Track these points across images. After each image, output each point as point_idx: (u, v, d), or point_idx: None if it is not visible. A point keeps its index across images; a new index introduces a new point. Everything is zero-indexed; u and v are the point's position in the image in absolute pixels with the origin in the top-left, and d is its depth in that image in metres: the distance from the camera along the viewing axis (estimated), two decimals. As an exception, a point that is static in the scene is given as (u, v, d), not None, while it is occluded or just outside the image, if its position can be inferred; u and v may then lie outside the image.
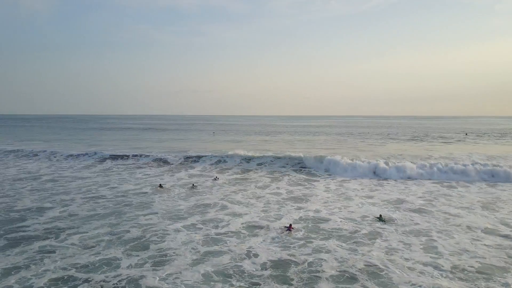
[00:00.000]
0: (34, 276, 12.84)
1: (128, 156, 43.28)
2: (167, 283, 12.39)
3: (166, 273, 13.11)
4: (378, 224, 18.94)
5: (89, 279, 12.62)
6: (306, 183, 30.24)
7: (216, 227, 18.39)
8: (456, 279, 12.84)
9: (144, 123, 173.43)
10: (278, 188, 28.19)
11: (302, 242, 16.31)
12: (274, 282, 12.54)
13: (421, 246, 15.82)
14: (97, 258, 14.34)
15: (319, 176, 33.39)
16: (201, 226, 18.55)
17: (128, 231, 17.59)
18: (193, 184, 28.92)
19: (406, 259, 14.42)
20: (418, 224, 18.92)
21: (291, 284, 12.41)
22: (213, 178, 31.70)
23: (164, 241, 16.30)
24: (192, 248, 15.46)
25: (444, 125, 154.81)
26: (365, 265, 13.87)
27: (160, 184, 28.37)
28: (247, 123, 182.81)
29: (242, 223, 18.93)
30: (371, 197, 25.00)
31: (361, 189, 27.91)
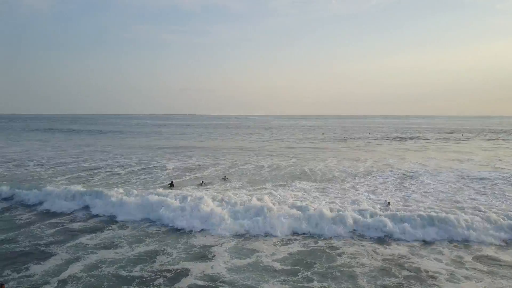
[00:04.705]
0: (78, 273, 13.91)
1: None
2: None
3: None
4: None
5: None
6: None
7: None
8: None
9: (124, 124, 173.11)
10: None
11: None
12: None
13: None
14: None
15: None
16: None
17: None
18: (202, 181, 29.93)
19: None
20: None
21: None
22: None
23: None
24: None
25: (438, 125, 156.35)
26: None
27: (171, 182, 29.16)
28: (233, 124, 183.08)
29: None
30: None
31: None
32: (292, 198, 24.05)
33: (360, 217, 19.21)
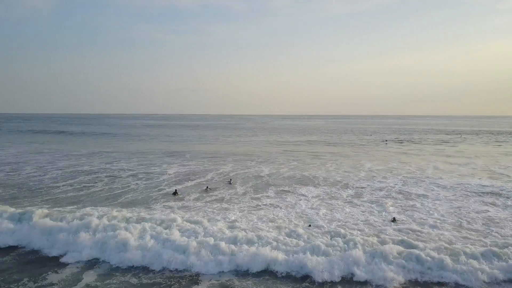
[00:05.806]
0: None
1: None
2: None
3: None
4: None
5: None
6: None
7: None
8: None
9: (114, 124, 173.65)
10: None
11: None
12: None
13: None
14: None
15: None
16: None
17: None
18: (207, 187, 30.33)
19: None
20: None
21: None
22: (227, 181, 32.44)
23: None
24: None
25: (437, 126, 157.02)
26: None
27: (175, 190, 28.63)
28: (220, 124, 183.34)
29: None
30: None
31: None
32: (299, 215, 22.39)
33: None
